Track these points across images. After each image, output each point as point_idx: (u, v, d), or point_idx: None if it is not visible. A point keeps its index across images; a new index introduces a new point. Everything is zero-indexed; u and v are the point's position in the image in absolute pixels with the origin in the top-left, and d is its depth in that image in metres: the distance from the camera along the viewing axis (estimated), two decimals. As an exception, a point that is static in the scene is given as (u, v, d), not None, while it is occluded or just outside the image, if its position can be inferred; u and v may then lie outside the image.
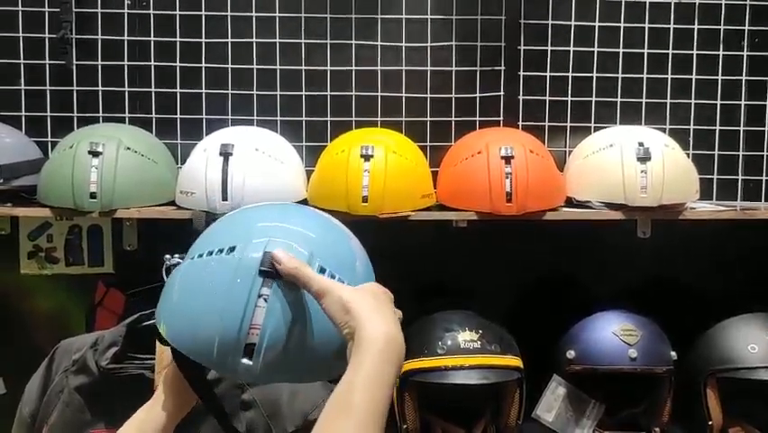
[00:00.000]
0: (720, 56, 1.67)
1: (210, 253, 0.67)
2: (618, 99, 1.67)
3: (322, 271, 0.67)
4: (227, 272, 0.65)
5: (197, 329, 0.64)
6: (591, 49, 1.66)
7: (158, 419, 0.79)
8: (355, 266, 0.72)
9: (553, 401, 1.46)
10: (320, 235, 0.71)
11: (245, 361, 0.63)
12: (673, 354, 1.46)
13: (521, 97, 1.66)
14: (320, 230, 0.73)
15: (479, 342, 1.40)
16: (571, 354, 1.46)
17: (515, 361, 1.42)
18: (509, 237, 1.62)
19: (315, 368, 0.68)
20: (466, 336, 1.40)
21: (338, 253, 0.71)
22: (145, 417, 0.80)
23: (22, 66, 1.61)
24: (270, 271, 0.63)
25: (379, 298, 0.66)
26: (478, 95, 1.66)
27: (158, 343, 1.13)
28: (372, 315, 0.62)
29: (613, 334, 1.45)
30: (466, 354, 1.38)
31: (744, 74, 1.68)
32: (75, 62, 1.61)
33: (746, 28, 1.67)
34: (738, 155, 1.68)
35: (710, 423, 1.45)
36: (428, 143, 1.64)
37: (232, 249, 0.66)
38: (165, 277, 1.05)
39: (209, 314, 0.64)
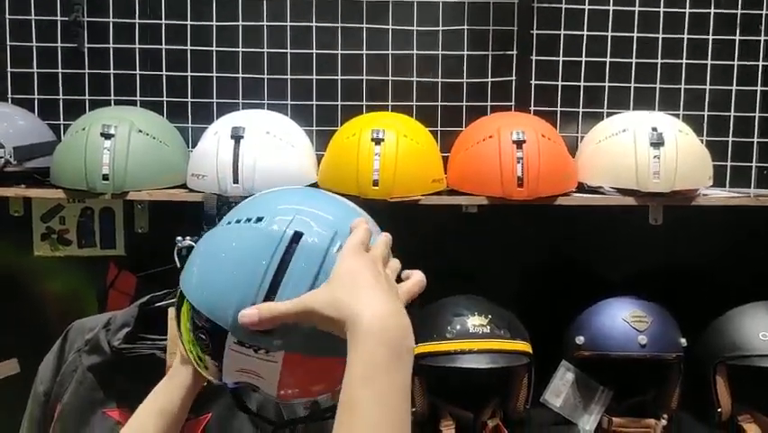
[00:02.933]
0: (737, 41, 1.65)
1: (238, 222, 0.70)
2: (632, 84, 1.66)
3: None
4: (252, 239, 0.67)
5: (217, 288, 0.66)
6: (605, 33, 1.64)
7: (175, 393, 0.79)
8: None
9: (561, 387, 1.46)
10: (340, 219, 0.71)
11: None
12: (683, 340, 1.45)
13: (533, 82, 1.64)
14: (340, 213, 0.73)
15: (488, 327, 1.40)
16: (580, 339, 1.46)
17: (523, 346, 1.42)
18: (520, 222, 1.62)
19: (330, 344, 0.68)
20: (475, 321, 1.41)
21: None
22: (162, 391, 0.80)
23: (34, 49, 1.62)
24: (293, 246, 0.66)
25: (357, 274, 0.61)
26: (489, 79, 1.65)
27: (170, 323, 1.14)
28: (353, 301, 0.58)
29: (623, 320, 1.44)
30: (475, 339, 1.39)
31: (760, 59, 1.65)
32: (87, 45, 1.61)
33: (764, 12, 1.65)
34: (753, 142, 1.66)
35: (719, 410, 1.45)
36: (439, 128, 1.64)
37: (260, 219, 0.68)
38: (177, 259, 1.06)
39: (231, 275, 0.65)
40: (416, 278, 0.68)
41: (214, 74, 1.63)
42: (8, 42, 1.61)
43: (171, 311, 1.15)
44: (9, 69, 1.62)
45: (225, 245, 0.68)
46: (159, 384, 0.81)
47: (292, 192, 0.81)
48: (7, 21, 1.61)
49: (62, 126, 1.61)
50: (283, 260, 0.64)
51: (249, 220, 0.69)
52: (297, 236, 0.66)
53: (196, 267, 0.70)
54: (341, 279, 0.61)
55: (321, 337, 0.63)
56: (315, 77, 1.64)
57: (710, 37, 1.64)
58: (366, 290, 0.59)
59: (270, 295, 0.64)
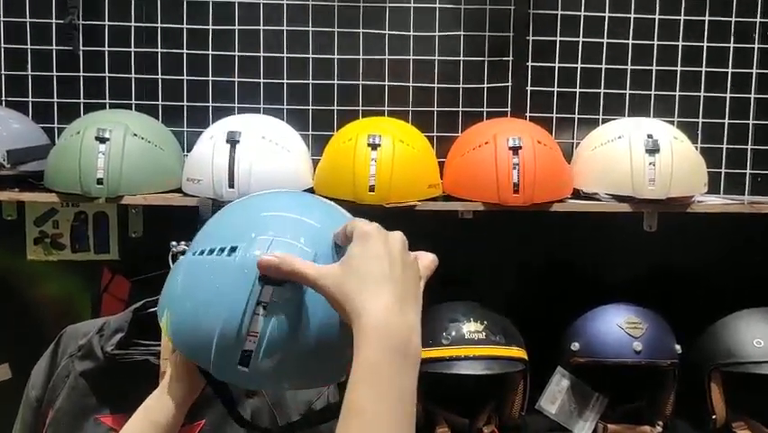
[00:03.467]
0: (731, 48, 1.66)
1: (211, 252, 0.64)
2: (627, 91, 1.66)
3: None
4: (228, 276, 0.62)
5: (195, 331, 0.63)
6: (600, 40, 1.65)
7: (168, 405, 0.77)
8: None
9: (556, 393, 1.46)
10: (328, 227, 0.68)
11: (241, 368, 0.62)
12: (678, 347, 1.46)
13: (529, 88, 1.65)
14: (329, 221, 0.69)
15: (483, 333, 1.40)
16: (575, 346, 1.46)
17: (519, 352, 1.42)
18: (516, 228, 1.62)
19: (317, 376, 0.66)
20: (471, 327, 1.41)
21: None
22: (155, 404, 0.78)
23: (29, 51, 1.61)
24: (270, 278, 0.61)
25: (370, 262, 0.57)
26: (485, 85, 1.65)
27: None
28: (359, 294, 0.55)
29: (618, 327, 1.44)
30: (471, 345, 1.39)
31: (755, 67, 1.66)
32: (82, 48, 1.61)
33: (758, 20, 1.66)
34: (747, 149, 1.67)
35: (714, 417, 1.45)
36: (435, 134, 1.64)
37: (233, 249, 0.64)
38: (171, 264, 1.06)
39: (208, 317, 0.62)
40: (429, 257, 0.65)
41: (210, 78, 1.62)
42: (2, 45, 1.60)
43: (166, 317, 1.14)
44: (3, 72, 1.61)
45: (200, 286, 0.64)
46: (150, 397, 0.80)
47: (275, 197, 0.76)
48: (2, 23, 1.60)
49: (56, 130, 1.60)
50: (259, 302, 0.61)
51: (222, 251, 0.64)
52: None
53: (175, 308, 0.66)
54: (352, 264, 0.58)
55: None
56: (311, 81, 1.63)
57: (705, 44, 1.65)
58: (373, 284, 0.56)
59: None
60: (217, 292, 0.62)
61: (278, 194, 0.80)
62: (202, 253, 0.66)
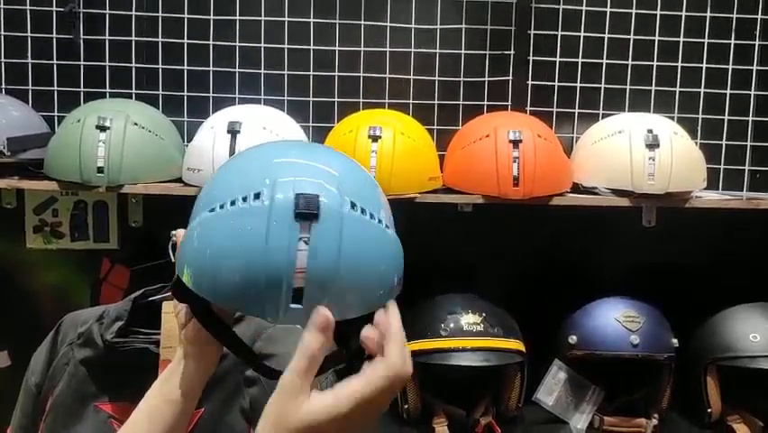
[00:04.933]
0: (731, 45, 1.66)
1: (233, 203, 0.63)
2: (628, 86, 1.66)
3: (353, 206, 0.64)
4: (260, 221, 0.61)
5: (237, 281, 0.61)
6: (602, 35, 1.65)
7: (184, 384, 0.76)
8: (385, 211, 0.69)
9: (553, 385, 1.47)
10: (346, 173, 0.68)
11: (294, 306, 0.61)
12: (675, 341, 1.46)
13: (530, 82, 1.65)
14: (344, 168, 0.69)
15: (481, 325, 1.41)
16: (572, 339, 1.47)
17: (517, 344, 1.43)
18: (515, 221, 1.62)
19: (365, 300, 0.65)
20: (469, 319, 1.41)
21: (367, 194, 0.68)
22: (169, 385, 0.76)
23: (29, 39, 1.60)
24: (307, 213, 0.61)
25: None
26: (486, 78, 1.65)
27: (164, 317, 1.13)
28: None
29: (615, 320, 1.45)
30: (469, 337, 1.39)
31: (755, 63, 1.67)
32: (82, 37, 1.60)
33: (759, 17, 1.66)
34: (746, 145, 1.68)
35: (709, 411, 1.46)
36: (435, 126, 1.64)
37: (257, 195, 0.62)
38: (171, 253, 1.06)
39: (250, 264, 0.61)
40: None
41: (211, 68, 1.62)
42: (2, 33, 1.60)
43: (165, 305, 1.14)
44: (3, 60, 1.60)
45: (234, 237, 0.62)
46: (161, 378, 0.78)
47: (284, 146, 0.75)
48: (2, 11, 1.59)
49: (56, 118, 1.60)
50: (300, 238, 0.61)
51: (245, 199, 0.63)
52: (308, 208, 0.61)
53: (206, 265, 0.64)
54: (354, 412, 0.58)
55: None
56: (312, 73, 1.63)
57: (706, 41, 1.66)
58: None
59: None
60: (252, 239, 0.61)
61: (287, 143, 0.79)
62: (222, 207, 0.64)
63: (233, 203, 0.63)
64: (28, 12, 1.60)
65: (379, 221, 0.66)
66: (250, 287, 0.61)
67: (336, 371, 0.73)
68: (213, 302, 0.66)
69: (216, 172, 0.71)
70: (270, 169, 0.66)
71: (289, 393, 0.57)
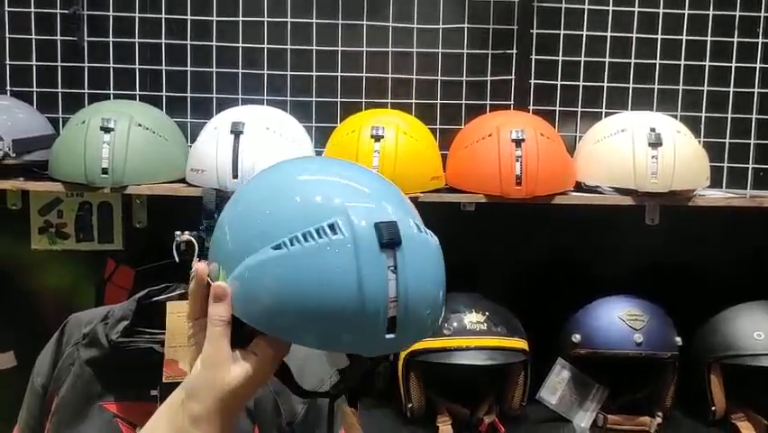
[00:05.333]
0: (735, 43, 1.66)
1: (307, 238, 0.60)
2: (630, 85, 1.66)
3: (418, 227, 0.64)
4: (347, 255, 0.60)
5: (331, 319, 0.60)
6: (604, 33, 1.65)
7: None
8: (417, 216, 0.68)
9: (557, 384, 1.47)
10: (385, 188, 0.67)
11: (389, 336, 0.61)
12: (678, 339, 1.46)
13: (532, 81, 1.65)
14: (377, 182, 0.68)
15: (485, 324, 1.41)
16: (576, 337, 1.47)
17: (520, 343, 1.43)
18: (518, 220, 1.62)
19: (432, 325, 0.66)
20: (472, 318, 1.41)
21: (409, 205, 0.68)
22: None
23: (33, 42, 1.61)
24: (391, 242, 0.60)
25: None
26: (489, 78, 1.65)
27: (168, 318, 1.14)
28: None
29: (619, 318, 1.45)
30: (472, 336, 1.40)
31: (758, 61, 1.66)
32: (86, 39, 1.61)
33: (762, 14, 1.65)
34: (750, 143, 1.67)
35: (713, 409, 1.46)
36: (438, 126, 1.64)
37: (332, 226, 0.60)
38: (175, 253, 1.06)
39: (345, 300, 0.59)
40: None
41: (214, 69, 1.63)
42: (7, 35, 1.61)
43: (169, 306, 1.15)
44: (8, 62, 1.61)
45: (319, 274, 0.59)
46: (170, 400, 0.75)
47: (300, 167, 0.71)
48: (6, 13, 1.60)
49: (61, 120, 1.61)
50: (388, 267, 0.60)
51: (319, 232, 0.60)
52: (391, 237, 0.60)
53: (287, 308, 0.60)
54: None
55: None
56: (314, 73, 1.64)
57: (709, 39, 1.65)
58: None
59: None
60: (343, 275, 0.59)
61: (304, 161, 0.77)
62: (292, 243, 0.61)
63: (305, 238, 0.60)
64: (32, 14, 1.60)
65: (426, 232, 0.66)
66: (345, 323, 0.60)
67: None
68: (295, 342, 0.63)
69: (245, 201, 0.67)
70: (318, 192, 0.64)
71: (214, 366, 0.63)
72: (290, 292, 0.60)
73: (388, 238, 0.60)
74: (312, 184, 0.66)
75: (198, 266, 0.68)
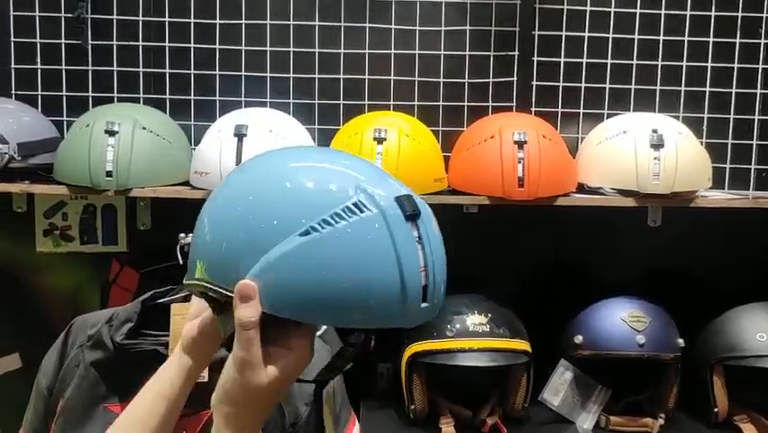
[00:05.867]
0: (737, 43, 1.66)
1: (337, 219, 0.60)
2: (633, 86, 1.67)
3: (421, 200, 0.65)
4: (380, 230, 0.61)
5: (376, 296, 0.60)
6: (606, 35, 1.65)
7: (176, 378, 0.79)
8: None
9: (559, 385, 1.47)
10: (372, 168, 0.69)
11: (423, 305, 0.62)
12: (681, 341, 1.46)
13: (534, 83, 1.65)
14: (364, 163, 0.70)
15: (487, 325, 1.41)
16: (578, 339, 1.47)
17: (523, 345, 1.43)
18: (520, 222, 1.63)
19: (445, 290, 0.67)
20: (475, 320, 1.42)
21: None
22: (163, 376, 0.80)
23: (38, 45, 1.62)
24: (414, 213, 0.62)
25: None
26: (491, 80, 1.66)
27: (172, 319, 1.15)
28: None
29: (621, 320, 1.45)
30: (475, 337, 1.40)
31: (760, 62, 1.66)
32: (90, 42, 1.62)
33: (765, 15, 1.65)
34: (752, 144, 1.67)
35: (716, 410, 1.46)
36: (440, 128, 1.65)
37: (357, 206, 0.61)
38: (179, 255, 1.07)
39: (387, 274, 0.60)
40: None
41: (217, 72, 1.64)
42: (12, 39, 1.62)
43: (174, 308, 1.16)
44: (13, 66, 1.63)
45: (356, 252, 0.60)
46: (158, 370, 0.82)
47: (304, 154, 0.73)
48: (11, 17, 1.61)
49: (65, 123, 1.62)
50: (414, 238, 0.62)
51: (350, 211, 0.60)
52: (412, 210, 0.62)
53: (335, 290, 0.60)
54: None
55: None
56: (317, 75, 1.64)
57: (711, 39, 1.65)
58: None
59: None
60: (380, 250, 0.60)
61: (289, 153, 0.75)
62: (321, 226, 0.60)
63: (334, 220, 0.60)
64: (37, 18, 1.62)
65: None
66: (388, 297, 0.60)
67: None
68: (338, 325, 0.64)
69: (240, 199, 0.65)
70: (326, 176, 0.64)
71: (250, 370, 0.61)
72: (331, 274, 0.60)
73: (411, 210, 0.62)
74: (315, 170, 0.66)
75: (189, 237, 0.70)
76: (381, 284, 0.60)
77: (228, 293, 0.63)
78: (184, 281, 0.70)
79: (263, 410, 0.65)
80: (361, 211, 0.61)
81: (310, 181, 0.64)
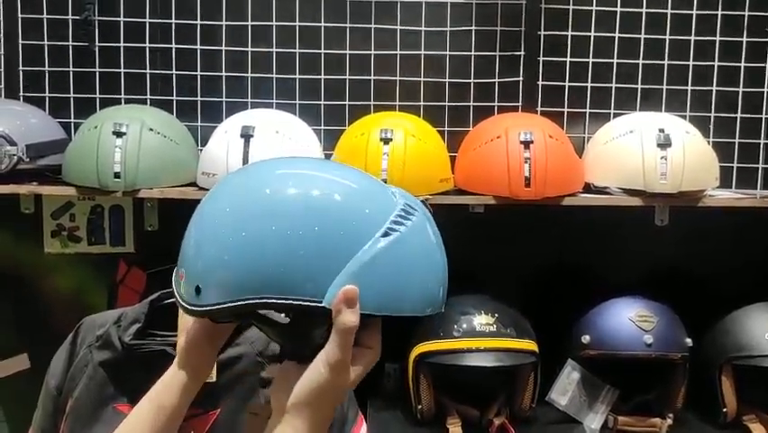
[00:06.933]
0: (744, 42, 1.65)
1: (402, 220, 0.66)
2: (639, 85, 1.66)
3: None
4: (428, 232, 0.68)
5: (431, 288, 0.67)
6: (612, 34, 1.65)
7: (175, 391, 0.79)
8: None
9: (567, 385, 1.47)
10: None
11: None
12: (689, 340, 1.46)
13: (540, 83, 1.65)
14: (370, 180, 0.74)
15: (494, 325, 1.41)
16: (586, 338, 1.47)
17: (530, 345, 1.43)
18: (527, 222, 1.62)
19: None
20: (482, 320, 1.42)
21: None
22: (161, 388, 0.80)
23: (46, 47, 1.63)
24: (433, 213, 0.70)
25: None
26: (497, 80, 1.66)
27: (180, 320, 1.15)
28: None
29: (629, 320, 1.45)
30: (482, 337, 1.40)
31: (767, 61, 1.66)
32: (98, 44, 1.63)
33: (771, 14, 1.65)
34: (759, 143, 1.67)
35: (725, 410, 1.46)
36: (446, 128, 1.65)
37: (408, 212, 0.66)
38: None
39: (441, 269, 0.68)
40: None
41: (224, 73, 1.64)
42: (20, 41, 1.63)
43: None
44: (21, 68, 1.63)
45: (415, 254, 0.66)
46: (158, 382, 0.82)
47: (306, 165, 0.74)
48: (19, 19, 1.62)
49: (73, 124, 1.63)
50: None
51: (404, 218, 0.65)
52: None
53: (401, 287, 0.65)
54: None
55: None
56: (323, 76, 1.65)
57: (717, 38, 1.65)
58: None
59: None
60: (432, 249, 0.68)
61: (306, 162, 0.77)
62: (397, 225, 0.65)
63: (402, 221, 0.66)
64: (45, 20, 1.62)
65: None
66: (443, 284, 0.68)
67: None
68: (414, 313, 0.67)
69: (316, 208, 0.66)
70: (372, 182, 0.71)
71: (344, 371, 0.64)
72: (414, 268, 0.66)
73: (431, 211, 0.70)
74: (354, 180, 0.70)
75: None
76: (440, 273, 0.68)
77: (312, 303, 0.63)
78: (210, 308, 0.65)
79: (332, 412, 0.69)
80: (414, 212, 0.67)
81: (364, 189, 0.69)
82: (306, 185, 0.67)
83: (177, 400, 0.80)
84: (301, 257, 0.63)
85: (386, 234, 0.64)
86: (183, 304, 0.68)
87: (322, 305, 0.62)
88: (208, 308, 0.66)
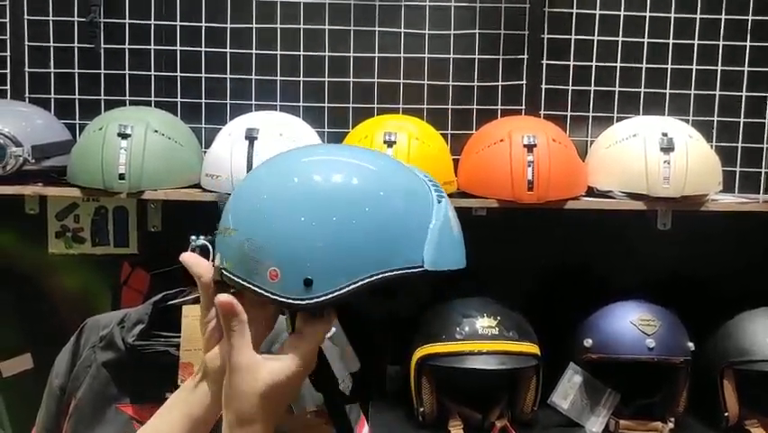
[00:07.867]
0: (747, 47, 1.65)
1: (437, 191, 0.74)
2: (642, 90, 1.66)
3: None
4: (449, 206, 0.76)
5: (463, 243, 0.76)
6: (615, 38, 1.65)
7: (204, 399, 0.75)
8: None
9: (568, 389, 1.47)
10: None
11: None
12: (691, 344, 1.46)
13: (543, 86, 1.65)
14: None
15: (496, 328, 1.41)
16: (588, 342, 1.47)
17: (532, 348, 1.43)
18: (529, 225, 1.63)
19: None
20: (484, 323, 1.42)
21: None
22: (190, 397, 0.75)
23: (51, 49, 1.64)
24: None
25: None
26: (500, 83, 1.66)
27: (184, 321, 1.16)
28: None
29: (631, 323, 1.45)
30: (484, 340, 1.40)
31: (770, 65, 1.66)
32: (103, 46, 1.64)
33: (775, 19, 1.65)
34: (762, 147, 1.67)
35: (726, 414, 1.45)
36: (449, 131, 1.65)
37: (441, 193, 0.74)
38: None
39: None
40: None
41: (228, 75, 1.65)
42: (26, 42, 1.64)
43: (185, 309, 1.17)
44: (27, 69, 1.64)
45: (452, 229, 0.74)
46: (182, 389, 0.77)
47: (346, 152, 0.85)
48: (25, 21, 1.63)
49: (78, 126, 1.63)
50: None
51: (441, 196, 0.73)
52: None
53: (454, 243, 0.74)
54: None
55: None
56: (327, 79, 1.65)
57: (720, 43, 1.65)
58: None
59: None
60: (455, 219, 0.76)
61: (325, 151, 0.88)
62: (441, 194, 0.75)
63: (439, 191, 0.75)
64: (50, 22, 1.63)
65: None
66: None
67: None
68: (458, 267, 0.74)
69: (385, 188, 0.74)
70: (399, 168, 0.78)
71: (249, 366, 0.68)
72: (457, 225, 0.76)
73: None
74: (389, 158, 0.83)
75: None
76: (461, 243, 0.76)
77: (416, 270, 0.70)
78: (329, 296, 0.68)
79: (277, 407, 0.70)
80: (439, 201, 0.74)
81: (401, 164, 0.79)
82: (368, 172, 0.75)
83: (207, 407, 0.76)
84: (392, 231, 0.70)
85: (438, 201, 0.73)
86: (289, 302, 0.69)
87: (425, 268, 0.69)
88: (328, 296, 0.68)
